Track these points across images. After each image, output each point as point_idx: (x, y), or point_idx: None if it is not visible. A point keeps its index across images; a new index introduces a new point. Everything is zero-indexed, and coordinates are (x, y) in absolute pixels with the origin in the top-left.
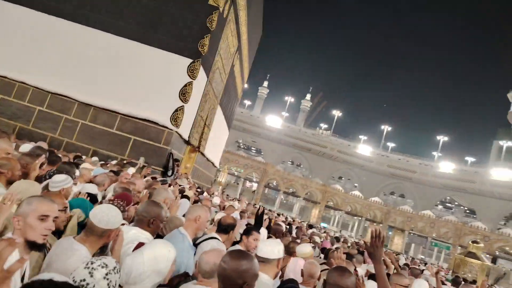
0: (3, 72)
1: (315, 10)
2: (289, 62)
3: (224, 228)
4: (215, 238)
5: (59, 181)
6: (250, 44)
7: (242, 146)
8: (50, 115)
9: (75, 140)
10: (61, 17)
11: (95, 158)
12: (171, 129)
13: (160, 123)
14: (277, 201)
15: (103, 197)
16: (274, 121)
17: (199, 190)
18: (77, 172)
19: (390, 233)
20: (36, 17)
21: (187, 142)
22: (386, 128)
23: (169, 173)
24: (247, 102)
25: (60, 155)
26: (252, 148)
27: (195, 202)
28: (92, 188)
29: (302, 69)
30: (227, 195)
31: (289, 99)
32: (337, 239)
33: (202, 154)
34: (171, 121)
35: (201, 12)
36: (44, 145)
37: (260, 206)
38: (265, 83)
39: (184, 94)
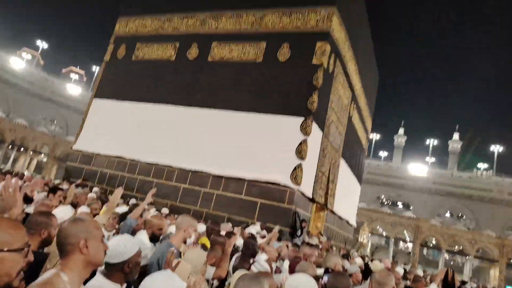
0: (155, 160)
1: (442, 44)
2: (425, 103)
3: None
4: None
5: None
6: (366, 92)
7: (385, 202)
8: (191, 190)
9: (212, 210)
10: (191, 105)
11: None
12: (293, 188)
13: (281, 183)
14: (440, 262)
15: None
16: (418, 169)
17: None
18: None
19: None
20: (171, 111)
21: (312, 200)
22: None
23: (298, 233)
24: (383, 154)
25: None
26: (398, 202)
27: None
28: None
29: (442, 108)
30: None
31: (432, 142)
32: None
33: (332, 212)
34: (291, 180)
35: (306, 73)
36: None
37: (449, 269)
38: (401, 130)
39: (300, 152)
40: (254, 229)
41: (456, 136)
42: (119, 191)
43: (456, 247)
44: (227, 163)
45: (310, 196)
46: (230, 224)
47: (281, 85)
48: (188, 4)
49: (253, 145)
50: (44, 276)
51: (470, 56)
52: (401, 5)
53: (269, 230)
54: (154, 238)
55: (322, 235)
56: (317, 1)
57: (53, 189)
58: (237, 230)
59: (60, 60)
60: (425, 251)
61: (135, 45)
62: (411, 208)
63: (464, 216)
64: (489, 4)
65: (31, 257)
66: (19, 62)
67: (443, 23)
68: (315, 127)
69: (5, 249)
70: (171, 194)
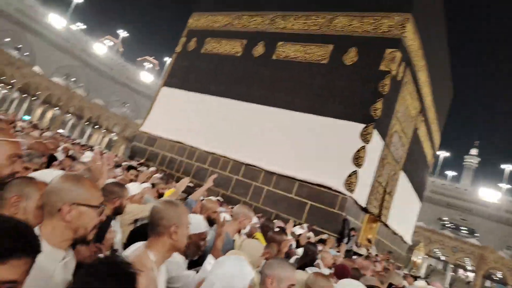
0: (213, 149)
1: None
2: (504, 124)
3: None
4: None
5: None
6: (437, 105)
7: (448, 225)
8: (243, 182)
9: (261, 204)
10: (251, 101)
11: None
12: (345, 195)
13: (333, 188)
14: None
15: None
16: (490, 194)
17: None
18: None
19: None
20: (232, 104)
21: (365, 210)
22: None
23: (345, 240)
24: (451, 173)
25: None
26: (462, 227)
27: None
28: None
29: None
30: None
31: (508, 167)
32: None
33: (386, 225)
34: (344, 186)
35: (372, 78)
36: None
37: None
38: (473, 151)
39: (357, 158)
40: (301, 229)
41: None
42: (186, 180)
43: None
44: (280, 161)
45: (363, 205)
46: (281, 222)
47: (345, 89)
48: (259, 3)
49: (309, 147)
50: (135, 252)
51: None
52: (483, 16)
53: (315, 232)
54: (209, 222)
55: (371, 246)
56: (392, 7)
57: (129, 167)
58: (288, 225)
59: (137, 48)
60: (488, 283)
61: (205, 39)
62: (476, 234)
63: None
64: None
65: (103, 217)
66: (101, 47)
67: None
68: (376, 135)
69: (86, 204)
70: (224, 184)
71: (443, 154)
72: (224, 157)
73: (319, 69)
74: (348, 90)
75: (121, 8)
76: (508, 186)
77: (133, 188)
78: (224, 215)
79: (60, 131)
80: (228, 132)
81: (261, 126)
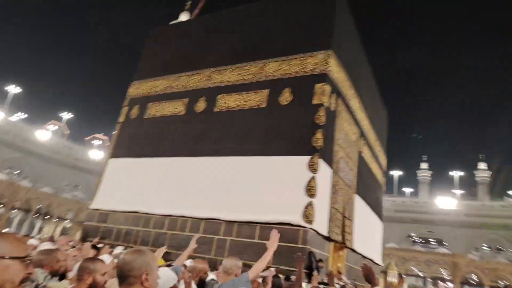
0: (169, 212)
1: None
2: (445, 135)
3: None
4: None
5: None
6: (375, 128)
7: (417, 240)
8: (205, 239)
9: (227, 257)
10: (200, 155)
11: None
12: (305, 227)
13: (294, 223)
14: None
15: None
16: (447, 202)
17: None
18: None
19: None
20: (182, 162)
21: (328, 239)
22: None
23: (315, 272)
24: (408, 190)
25: None
26: (430, 239)
27: None
28: None
29: (464, 138)
30: None
31: (456, 174)
32: None
33: (353, 250)
34: (303, 219)
35: (308, 113)
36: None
37: None
38: (424, 165)
39: (309, 189)
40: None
41: (482, 165)
42: (161, 250)
43: (501, 282)
44: (239, 208)
45: (326, 234)
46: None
47: (286, 127)
48: (195, 63)
49: (263, 188)
50: None
51: (491, 81)
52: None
53: (284, 272)
54: (201, 282)
55: (341, 275)
56: (314, 48)
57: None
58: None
59: (85, 127)
60: None
61: (147, 104)
62: (445, 244)
63: (503, 248)
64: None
65: (31, 269)
66: (44, 133)
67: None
68: (322, 164)
69: (7, 257)
70: (186, 244)
71: (397, 173)
72: (182, 216)
73: (259, 113)
74: (288, 127)
75: (61, 90)
76: (461, 191)
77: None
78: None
79: (6, 230)
80: (182, 191)
81: (214, 177)
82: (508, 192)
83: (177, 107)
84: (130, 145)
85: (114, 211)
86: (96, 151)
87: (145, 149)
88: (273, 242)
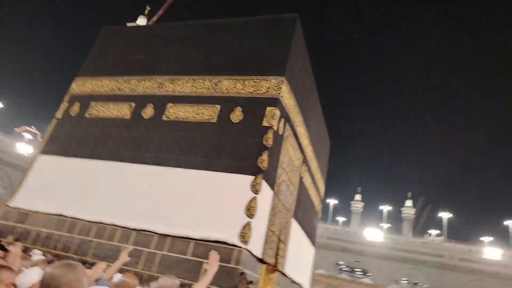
0: (98, 218)
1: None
2: (379, 171)
3: None
4: None
5: None
6: (318, 156)
7: (344, 269)
8: (134, 251)
9: (155, 272)
10: (142, 163)
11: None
12: (240, 247)
13: (229, 242)
14: None
15: None
16: (374, 234)
17: None
18: None
19: None
20: (120, 168)
21: (261, 261)
22: (511, 223)
23: None
24: (341, 219)
25: None
26: (356, 269)
27: None
28: None
29: (395, 175)
30: None
31: (385, 208)
32: None
33: (284, 274)
34: (239, 239)
35: (257, 134)
36: None
37: None
38: (358, 196)
39: (249, 209)
40: None
41: (409, 203)
42: (102, 265)
43: None
44: (173, 222)
45: (260, 256)
46: None
47: (233, 145)
48: (147, 68)
49: (202, 204)
50: None
51: (419, 126)
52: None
53: None
54: None
55: None
56: (268, 72)
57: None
58: None
59: (18, 118)
60: None
61: (89, 103)
62: (369, 274)
63: (419, 282)
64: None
65: None
66: None
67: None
68: (265, 186)
69: None
70: (112, 255)
71: (332, 201)
72: (113, 225)
73: (208, 128)
74: (236, 145)
75: None
76: (388, 225)
77: (35, 273)
78: None
79: None
80: (116, 198)
81: (153, 187)
82: (428, 231)
83: (122, 110)
84: (65, 143)
85: (36, 211)
86: (24, 145)
87: (81, 150)
88: (213, 264)
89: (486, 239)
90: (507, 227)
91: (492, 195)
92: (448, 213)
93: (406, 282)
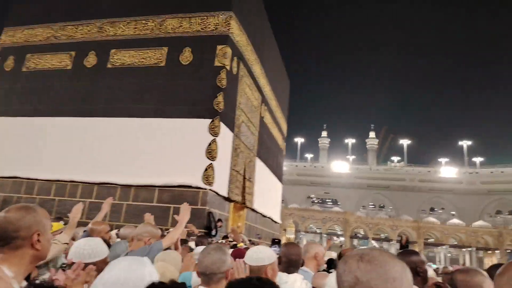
0: (57, 176)
1: (351, 49)
2: (343, 107)
3: None
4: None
5: None
6: (277, 95)
7: (315, 201)
8: (98, 203)
9: (123, 222)
10: (92, 116)
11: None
12: (205, 189)
13: (193, 185)
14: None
15: None
16: (341, 166)
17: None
18: None
19: None
20: (69, 122)
21: (228, 199)
22: (465, 143)
23: (213, 232)
24: (309, 155)
25: None
26: (327, 200)
27: None
28: None
29: (358, 109)
30: None
31: (350, 141)
32: None
33: (253, 210)
34: (203, 181)
35: (209, 75)
36: None
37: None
38: (324, 133)
39: (210, 152)
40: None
41: (372, 134)
42: (79, 207)
43: (382, 234)
44: (135, 172)
45: (226, 195)
46: None
47: (186, 89)
48: (83, 11)
49: (162, 151)
50: None
51: (379, 58)
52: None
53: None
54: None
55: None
56: (215, 7)
57: None
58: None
59: None
60: (355, 241)
61: (25, 56)
62: (338, 203)
63: (385, 206)
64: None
65: None
66: None
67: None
68: (223, 128)
69: None
70: None
71: (300, 140)
72: (72, 181)
73: (158, 73)
74: (189, 89)
75: None
76: (353, 156)
77: None
78: None
79: None
80: (71, 153)
81: (107, 140)
82: (391, 158)
83: (62, 61)
84: (4, 101)
85: None
86: None
87: (24, 107)
88: (184, 215)
89: (443, 160)
90: (461, 147)
91: (447, 118)
92: (408, 140)
93: (372, 206)
